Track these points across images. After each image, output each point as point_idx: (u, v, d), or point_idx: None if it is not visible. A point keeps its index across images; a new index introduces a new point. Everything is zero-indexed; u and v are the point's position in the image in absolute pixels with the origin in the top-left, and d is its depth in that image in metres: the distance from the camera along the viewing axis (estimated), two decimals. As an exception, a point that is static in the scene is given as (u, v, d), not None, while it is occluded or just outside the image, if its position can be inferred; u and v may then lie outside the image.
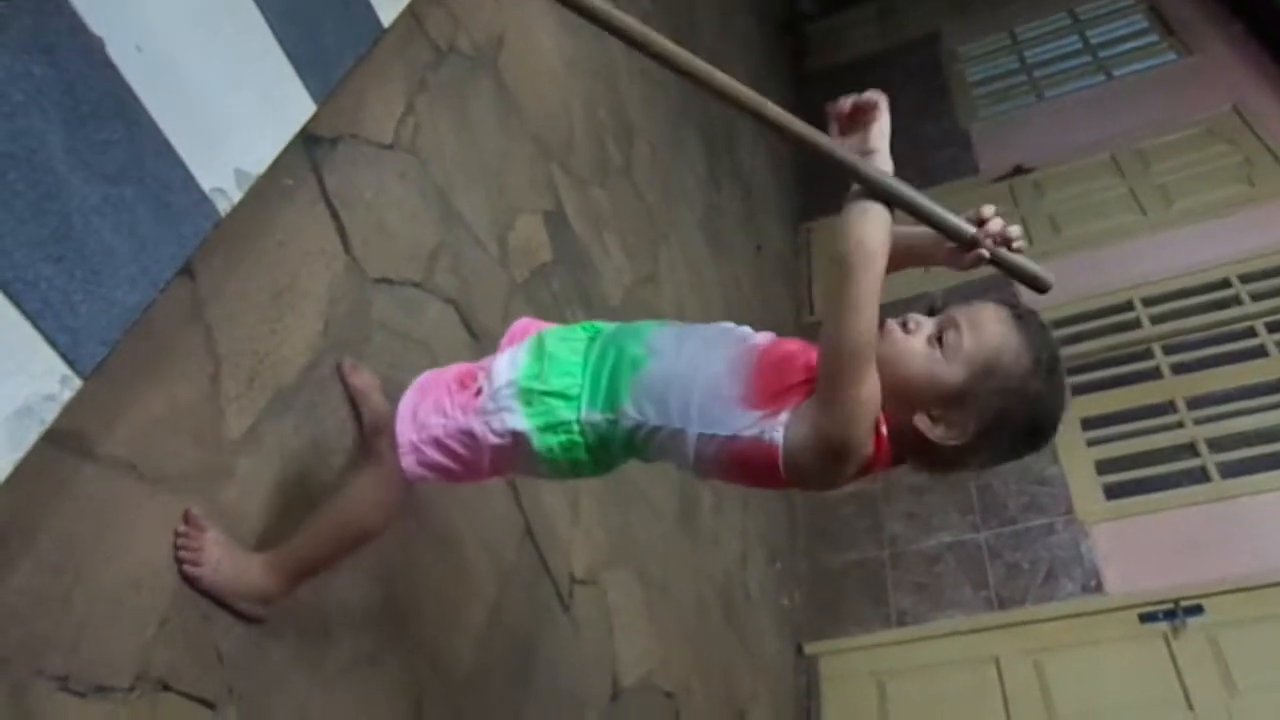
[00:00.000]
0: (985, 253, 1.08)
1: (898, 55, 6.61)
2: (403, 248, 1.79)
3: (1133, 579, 3.60)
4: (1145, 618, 3.46)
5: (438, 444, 1.22)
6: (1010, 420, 1.13)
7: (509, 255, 2.17)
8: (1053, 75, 6.09)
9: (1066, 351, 4.24)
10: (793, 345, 1.22)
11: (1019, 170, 5.32)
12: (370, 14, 1.42)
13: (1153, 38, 5.98)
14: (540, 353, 1.25)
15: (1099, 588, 3.61)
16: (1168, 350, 4.25)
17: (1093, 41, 6.18)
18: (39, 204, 0.89)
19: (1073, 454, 3.94)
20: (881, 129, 1.11)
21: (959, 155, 5.56)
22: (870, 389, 1.07)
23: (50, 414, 0.87)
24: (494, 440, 1.21)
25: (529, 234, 2.30)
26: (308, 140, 1.54)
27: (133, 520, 1.14)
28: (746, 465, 1.17)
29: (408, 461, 1.22)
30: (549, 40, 2.68)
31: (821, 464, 1.12)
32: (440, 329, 1.85)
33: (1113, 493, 3.86)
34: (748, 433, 1.14)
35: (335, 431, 1.50)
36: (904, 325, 1.15)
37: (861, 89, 1.14)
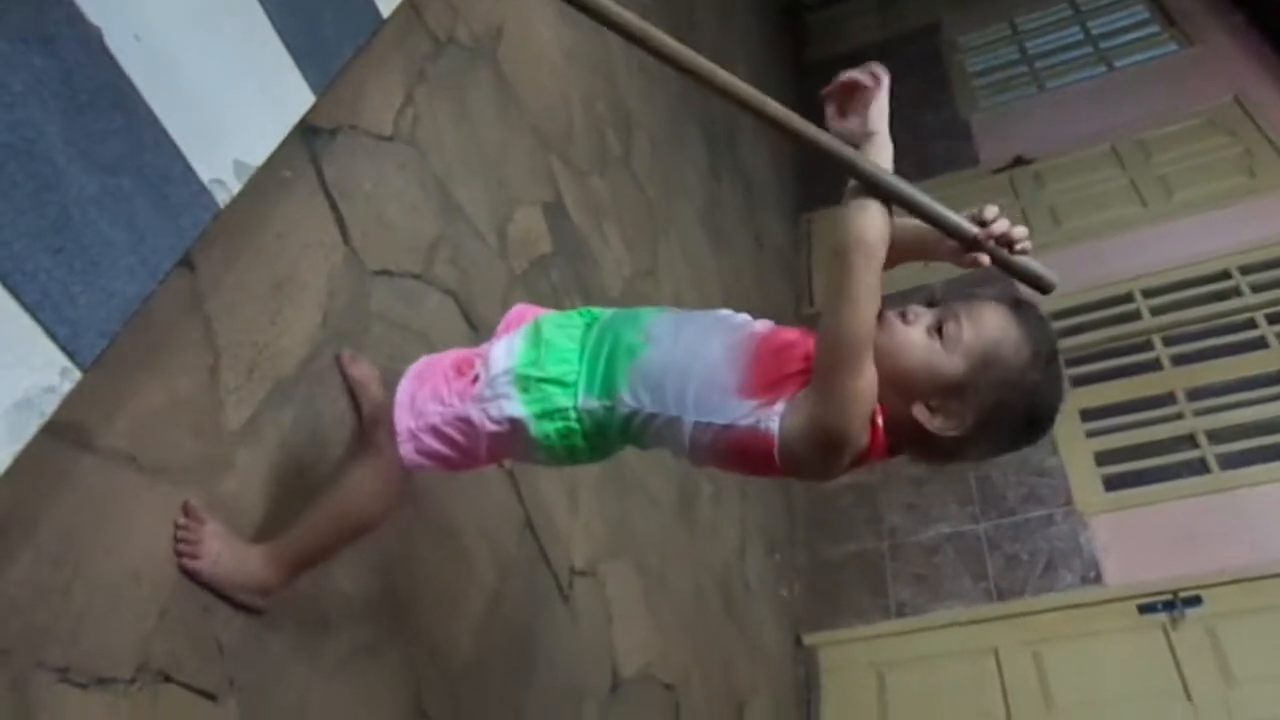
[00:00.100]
0: (985, 254, 1.07)
1: (898, 45, 6.59)
2: (402, 239, 1.78)
3: (1131, 570, 3.60)
4: (1144, 609, 3.47)
5: (435, 432, 1.23)
6: (1008, 412, 1.13)
7: (508, 246, 2.17)
8: (1053, 66, 6.08)
9: (1066, 343, 4.26)
10: (791, 334, 1.22)
11: (1019, 161, 5.32)
12: (369, 5, 1.42)
13: (1154, 28, 5.97)
14: (537, 339, 1.25)
15: (1098, 579, 3.62)
16: (1168, 342, 4.25)
17: (1094, 32, 6.17)
18: (37, 195, 0.89)
19: (1072, 445, 3.94)
20: (880, 108, 1.11)
21: (959, 146, 5.55)
22: (867, 381, 1.08)
23: (50, 406, 0.87)
24: (491, 427, 1.21)
25: (528, 225, 2.30)
26: (306, 131, 1.54)
27: (132, 512, 1.14)
28: (742, 454, 1.17)
29: (406, 449, 1.22)
30: (548, 31, 2.67)
31: (816, 454, 1.12)
32: (439, 320, 1.85)
33: (1112, 484, 3.86)
34: (743, 422, 1.14)
35: (334, 423, 1.50)
36: (903, 316, 1.15)
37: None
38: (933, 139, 5.46)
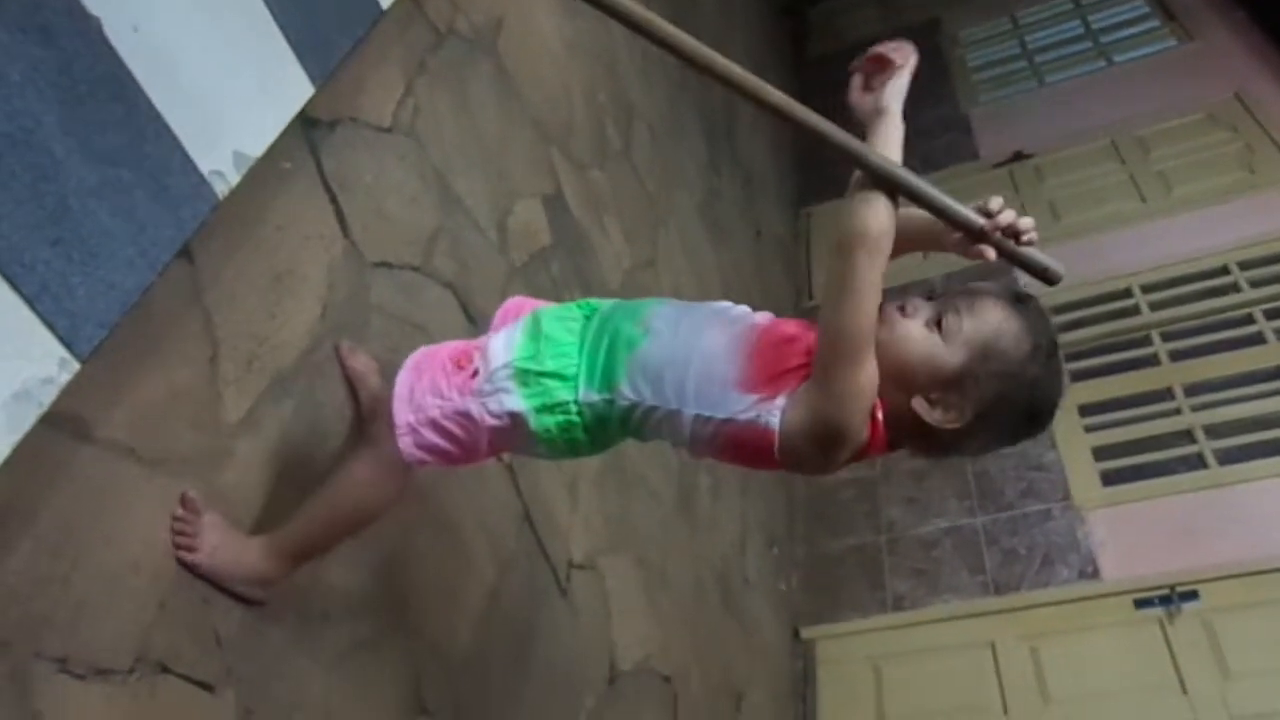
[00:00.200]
0: (991, 247, 1.07)
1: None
2: (401, 232, 1.78)
3: (1129, 565, 3.61)
4: (1141, 603, 3.48)
5: (435, 425, 1.22)
6: (1008, 405, 1.13)
7: (508, 239, 2.17)
8: (1053, 61, 6.07)
9: (1065, 338, 4.26)
10: (792, 327, 1.21)
11: (1019, 156, 5.31)
12: (369, -4, 1.41)
13: (1154, 23, 5.97)
14: (536, 333, 1.25)
15: (1095, 573, 3.62)
16: (1166, 337, 4.25)
17: (1094, 27, 6.16)
18: (35, 185, 0.88)
19: (1070, 440, 3.95)
20: (897, 87, 1.10)
21: (959, 141, 5.55)
22: (867, 376, 1.08)
23: (48, 397, 0.87)
24: (491, 422, 1.21)
25: (528, 218, 2.30)
26: (306, 123, 1.54)
27: (131, 503, 1.14)
28: (741, 447, 1.17)
29: (405, 443, 1.22)
30: (548, 22, 2.67)
31: (815, 449, 1.12)
32: (439, 313, 1.85)
33: (1110, 479, 3.87)
34: (743, 416, 1.14)
35: (334, 415, 1.50)
36: (902, 310, 1.15)
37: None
38: (932, 133, 5.45)
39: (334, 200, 1.60)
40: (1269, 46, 5.22)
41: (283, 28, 1.21)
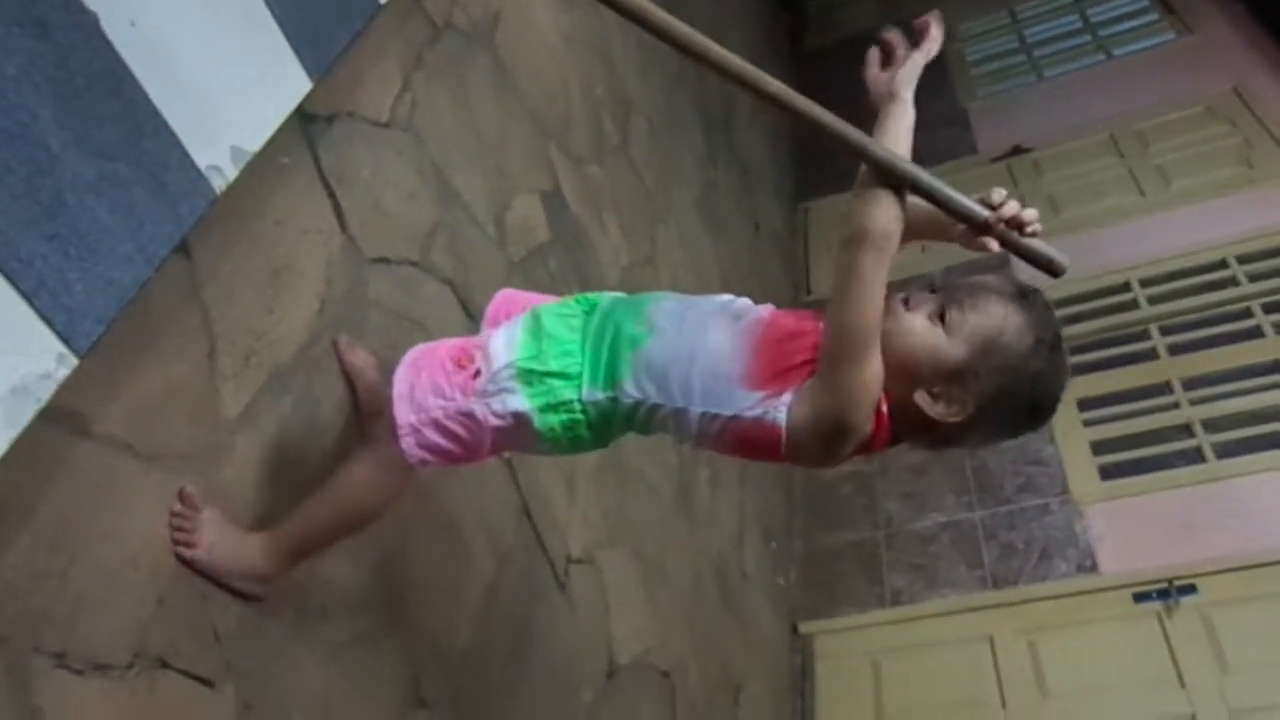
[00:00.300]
0: (994, 239, 1.07)
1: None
2: (399, 227, 1.78)
3: (1127, 559, 3.61)
4: (1139, 597, 3.48)
5: (438, 426, 1.22)
6: (1010, 398, 1.13)
7: (506, 235, 2.17)
8: (1052, 54, 6.07)
9: (1064, 332, 4.25)
10: (794, 321, 1.21)
11: (1017, 150, 5.31)
12: (366, -10, 1.41)
13: (1153, 16, 5.96)
14: (538, 332, 1.24)
15: (1093, 567, 3.63)
16: (1165, 331, 4.25)
17: (1092, 20, 6.15)
18: (32, 180, 0.88)
19: (1069, 434, 3.95)
20: (909, 73, 1.11)
21: (957, 135, 5.55)
22: (872, 372, 1.08)
23: (46, 392, 0.87)
24: (495, 422, 1.21)
25: (526, 213, 2.29)
26: (303, 118, 1.53)
27: (129, 498, 1.14)
28: (749, 443, 1.17)
29: (407, 443, 1.22)
30: (546, 16, 2.66)
31: (822, 444, 1.13)
32: (437, 308, 1.84)
33: (1108, 473, 3.87)
34: (750, 413, 1.14)
35: (332, 410, 1.50)
36: (906, 302, 1.15)
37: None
38: (931, 128, 5.42)
39: (332, 195, 1.59)
40: (1268, 40, 5.22)
41: (280, 22, 1.20)
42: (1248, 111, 4.92)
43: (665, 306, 1.26)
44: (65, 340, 0.89)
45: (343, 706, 1.42)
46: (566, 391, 1.20)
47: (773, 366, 1.15)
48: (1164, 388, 4.04)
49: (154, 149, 1.01)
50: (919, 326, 1.13)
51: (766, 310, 1.25)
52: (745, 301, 1.28)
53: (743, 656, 3.26)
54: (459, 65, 2.11)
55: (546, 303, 1.34)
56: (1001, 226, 1.06)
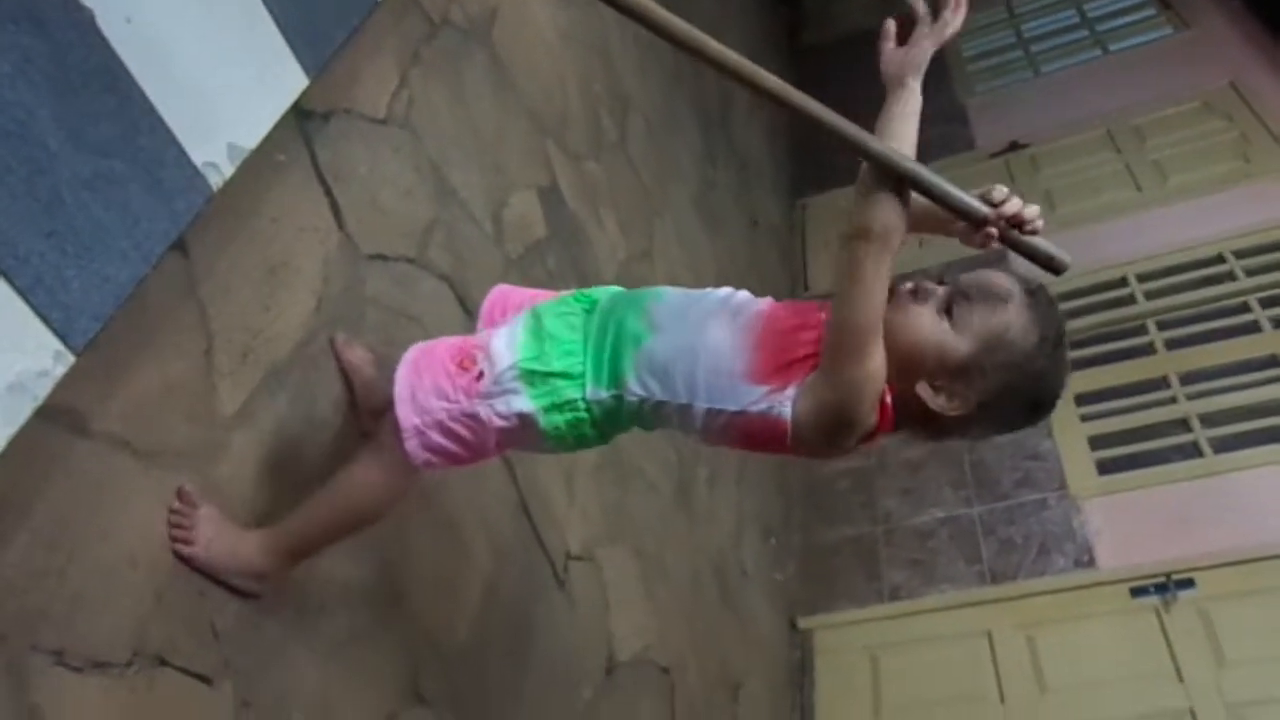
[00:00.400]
0: (994, 234, 1.06)
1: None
2: (396, 224, 1.78)
3: (1124, 553, 3.62)
4: (1137, 592, 3.49)
5: (442, 428, 1.22)
6: (1012, 395, 1.13)
7: (503, 231, 2.16)
8: (1049, 50, 6.07)
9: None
10: (794, 313, 1.21)
11: (1015, 146, 5.31)
12: (363, -14, 1.41)
13: (1150, 11, 5.96)
14: (539, 332, 1.24)
15: (1091, 562, 3.63)
16: (1162, 326, 4.25)
17: (1090, 15, 6.15)
18: (29, 178, 0.88)
19: (1066, 429, 3.95)
20: (919, 56, 1.11)
21: (955, 130, 5.55)
22: (875, 366, 1.08)
23: (43, 390, 0.87)
24: (499, 423, 1.21)
25: (523, 210, 2.29)
26: (300, 115, 1.53)
27: (127, 496, 1.13)
28: (754, 437, 1.18)
29: (412, 445, 1.21)
30: (543, 12, 2.66)
31: (826, 436, 1.13)
32: (434, 305, 1.84)
33: (1105, 468, 3.87)
34: (755, 408, 1.15)
35: (329, 408, 1.49)
36: (914, 293, 1.15)
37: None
38: (928, 123, 5.41)
39: (329, 192, 1.59)
40: (1264, 35, 5.21)
41: (277, 19, 1.20)
42: (1245, 106, 4.92)
43: (666, 303, 1.26)
44: (62, 338, 0.89)
45: (341, 702, 1.42)
46: (570, 391, 1.21)
47: (775, 361, 1.15)
48: (1161, 382, 4.05)
49: (150, 146, 1.01)
50: (925, 320, 1.13)
51: (766, 303, 1.25)
52: (745, 294, 1.28)
53: (742, 652, 3.27)
54: (456, 62, 2.11)
55: (544, 300, 1.34)
56: (1002, 224, 1.06)
